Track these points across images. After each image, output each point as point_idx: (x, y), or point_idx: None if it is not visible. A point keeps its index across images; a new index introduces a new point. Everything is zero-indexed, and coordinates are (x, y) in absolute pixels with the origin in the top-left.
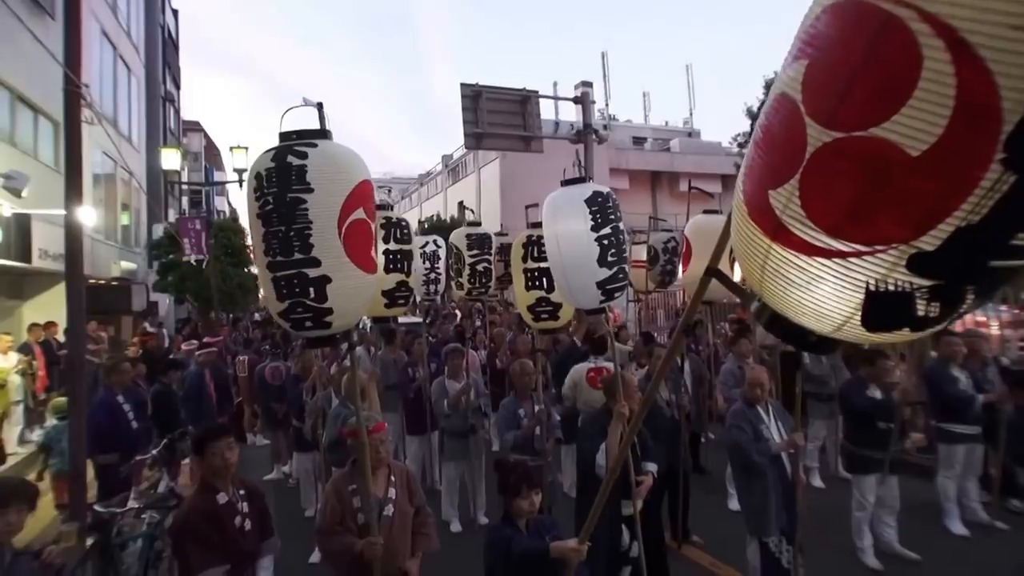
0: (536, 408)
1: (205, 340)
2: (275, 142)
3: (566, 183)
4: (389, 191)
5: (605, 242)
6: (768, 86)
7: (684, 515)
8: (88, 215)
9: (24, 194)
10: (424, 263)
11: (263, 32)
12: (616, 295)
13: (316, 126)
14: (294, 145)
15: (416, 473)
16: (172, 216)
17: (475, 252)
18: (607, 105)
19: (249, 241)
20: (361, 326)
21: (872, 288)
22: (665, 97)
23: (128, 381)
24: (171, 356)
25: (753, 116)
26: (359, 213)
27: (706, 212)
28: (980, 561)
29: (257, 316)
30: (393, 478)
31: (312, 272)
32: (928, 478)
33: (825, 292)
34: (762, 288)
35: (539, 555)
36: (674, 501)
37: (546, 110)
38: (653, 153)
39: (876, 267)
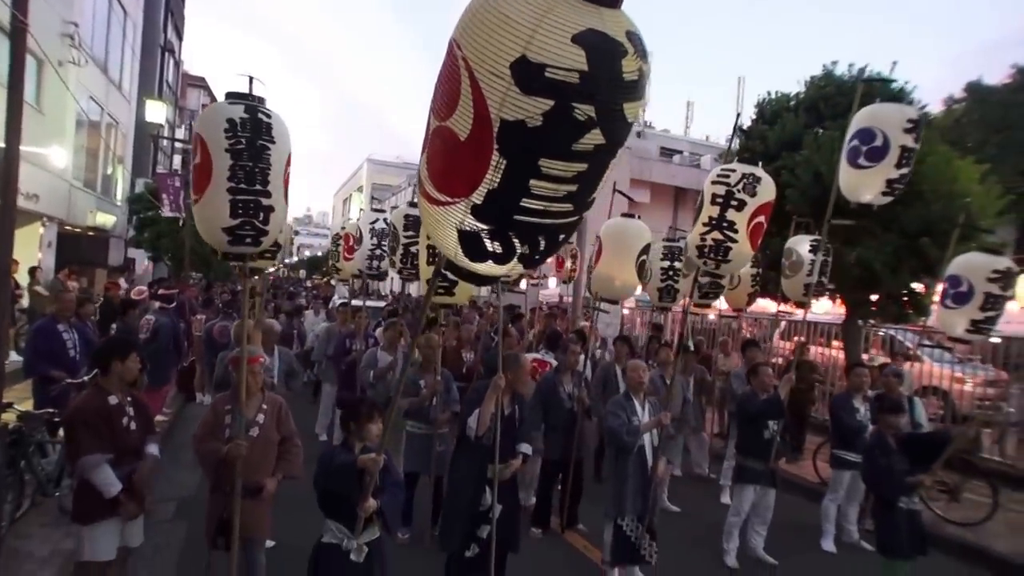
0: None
1: (160, 292)
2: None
3: None
4: None
5: None
6: (760, 107)
7: (573, 503)
8: (59, 156)
9: None
10: (372, 239)
11: None
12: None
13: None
14: (259, 107)
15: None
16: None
17: (410, 234)
18: (643, 110)
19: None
20: (332, 305)
21: (458, 228)
22: (714, 109)
23: (69, 311)
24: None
25: (743, 132)
26: (288, 168)
27: (624, 215)
28: (829, 573)
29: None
30: (265, 406)
31: (264, 201)
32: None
33: (442, 231)
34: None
35: (350, 466)
36: (564, 488)
37: None
38: (680, 167)
39: (457, 213)
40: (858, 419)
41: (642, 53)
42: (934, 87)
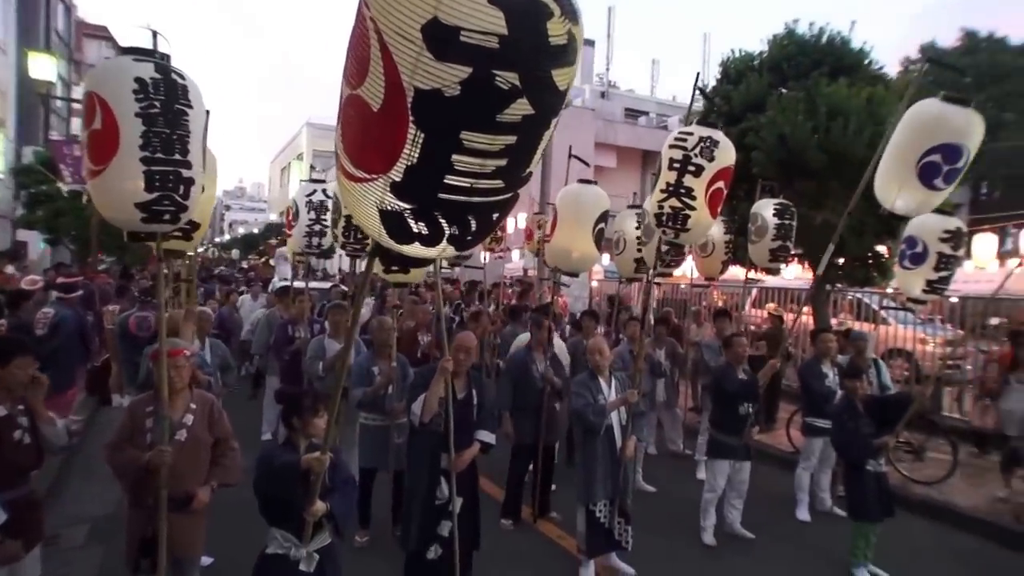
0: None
1: (60, 281)
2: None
3: None
4: None
5: None
6: (724, 66)
7: (544, 490)
8: None
9: None
10: (309, 213)
11: None
12: None
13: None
14: (170, 67)
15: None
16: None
17: None
18: (607, 69)
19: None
20: (271, 288)
21: (379, 207)
22: (680, 67)
23: None
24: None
25: (707, 97)
26: (206, 135)
27: (580, 181)
28: (805, 543)
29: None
30: (193, 405)
31: (185, 172)
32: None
33: (363, 210)
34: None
35: (293, 466)
36: (534, 474)
37: None
38: (647, 130)
39: (376, 191)
40: (827, 385)
41: (571, 14)
42: (895, 45)
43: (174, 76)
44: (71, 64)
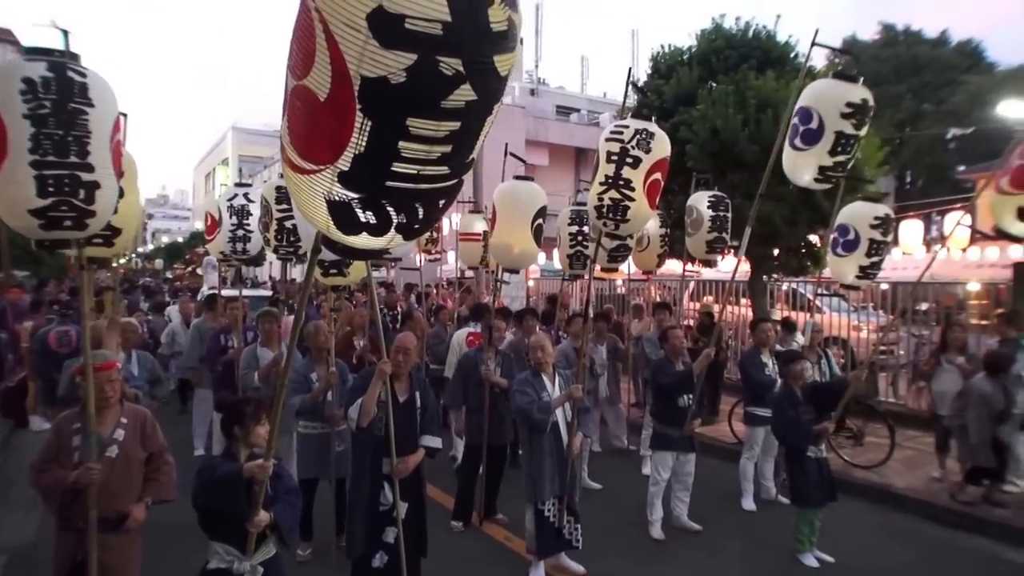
0: (329, 370)
1: None
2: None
3: None
4: None
5: None
6: (655, 61)
7: (490, 492)
8: None
9: None
10: (231, 218)
11: None
12: None
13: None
14: (68, 64)
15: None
16: None
17: (284, 207)
18: (536, 67)
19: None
20: (200, 297)
21: (327, 198)
22: (610, 65)
23: None
24: None
25: (640, 90)
26: (118, 136)
27: (516, 177)
28: (752, 532)
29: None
30: (124, 420)
31: (85, 176)
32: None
33: (310, 202)
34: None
35: (235, 475)
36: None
37: None
38: (580, 126)
39: (324, 181)
40: (767, 374)
41: (510, 1)
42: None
43: (70, 74)
44: None
